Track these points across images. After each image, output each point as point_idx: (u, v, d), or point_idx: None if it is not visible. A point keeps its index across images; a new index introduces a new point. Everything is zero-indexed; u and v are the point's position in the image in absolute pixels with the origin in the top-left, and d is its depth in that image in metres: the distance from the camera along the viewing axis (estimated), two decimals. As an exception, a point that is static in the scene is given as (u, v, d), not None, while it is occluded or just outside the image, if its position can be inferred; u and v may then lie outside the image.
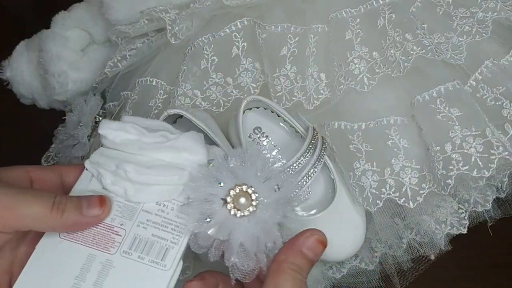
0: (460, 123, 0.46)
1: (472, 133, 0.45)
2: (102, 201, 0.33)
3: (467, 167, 0.45)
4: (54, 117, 0.66)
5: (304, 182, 0.46)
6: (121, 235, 0.33)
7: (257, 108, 0.51)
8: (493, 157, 0.45)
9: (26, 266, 0.32)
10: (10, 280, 0.33)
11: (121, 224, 0.33)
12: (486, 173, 0.44)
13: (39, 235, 0.33)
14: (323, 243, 0.32)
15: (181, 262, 0.33)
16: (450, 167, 0.45)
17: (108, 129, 0.33)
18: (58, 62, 0.62)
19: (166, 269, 0.32)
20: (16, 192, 0.31)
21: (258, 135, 0.51)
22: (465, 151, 0.45)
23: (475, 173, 0.45)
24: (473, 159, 0.45)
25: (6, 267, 0.33)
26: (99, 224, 0.33)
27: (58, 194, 0.32)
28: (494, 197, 0.51)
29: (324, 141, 0.48)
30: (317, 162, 0.46)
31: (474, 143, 0.45)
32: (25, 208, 0.31)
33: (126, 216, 0.33)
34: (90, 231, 0.33)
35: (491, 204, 0.50)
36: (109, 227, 0.33)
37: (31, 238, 0.34)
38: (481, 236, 0.51)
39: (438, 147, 0.46)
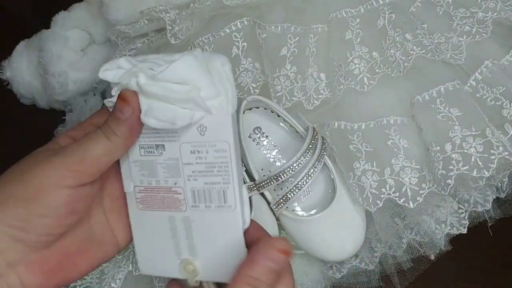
0: (460, 123, 0.46)
1: (472, 133, 0.45)
2: (124, 97, 0.33)
3: (467, 167, 0.45)
4: (54, 117, 0.66)
5: (304, 182, 0.46)
6: (181, 193, 0.34)
7: (257, 108, 0.51)
8: (493, 157, 0.45)
9: (134, 239, 0.35)
10: (109, 226, 0.36)
11: (175, 184, 0.34)
12: (486, 173, 0.45)
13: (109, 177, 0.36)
14: (286, 252, 0.31)
15: (245, 194, 0.33)
16: (450, 167, 0.45)
17: (104, 71, 0.33)
18: (58, 62, 0.62)
19: (232, 209, 0.32)
20: (75, 147, 0.32)
21: (258, 135, 0.51)
22: (465, 151, 0.45)
23: (475, 173, 0.45)
24: (473, 159, 0.45)
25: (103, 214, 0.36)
26: (160, 190, 0.34)
27: (97, 127, 0.33)
28: (494, 197, 0.51)
29: (324, 141, 0.48)
30: (317, 162, 0.46)
31: (474, 143, 0.45)
32: (92, 152, 0.32)
33: (174, 175, 0.34)
34: (157, 199, 0.34)
35: (491, 204, 0.50)
36: (168, 189, 0.34)
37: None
38: (481, 236, 0.51)
39: (438, 147, 0.46)
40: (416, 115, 0.48)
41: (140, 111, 0.33)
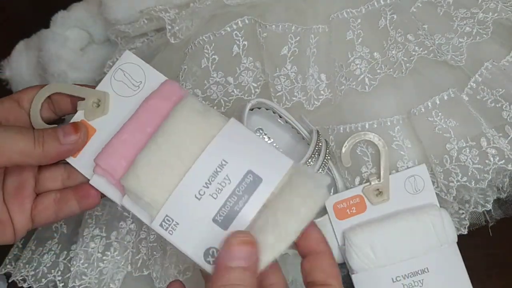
0: (456, 135, 0.46)
1: (467, 144, 0.46)
2: (76, 127, 0.34)
3: (465, 179, 0.46)
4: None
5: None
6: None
7: (259, 108, 0.51)
8: (487, 168, 0.45)
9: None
10: (7, 209, 0.36)
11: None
12: (483, 183, 0.45)
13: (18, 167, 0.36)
14: (250, 243, 0.30)
15: None
16: (450, 179, 0.46)
17: None
18: (58, 61, 0.62)
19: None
20: (0, 130, 0.32)
21: (260, 136, 0.51)
22: (462, 163, 0.46)
23: (473, 184, 0.46)
24: (470, 172, 0.46)
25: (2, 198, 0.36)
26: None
27: (34, 128, 0.34)
28: (495, 197, 0.51)
29: (328, 145, 0.48)
30: (321, 169, 0.46)
31: (470, 155, 0.46)
32: (12, 145, 0.32)
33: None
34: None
35: (491, 205, 0.50)
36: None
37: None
38: (481, 236, 0.51)
39: (437, 160, 0.47)
40: (414, 126, 0.48)
41: (78, 150, 0.35)
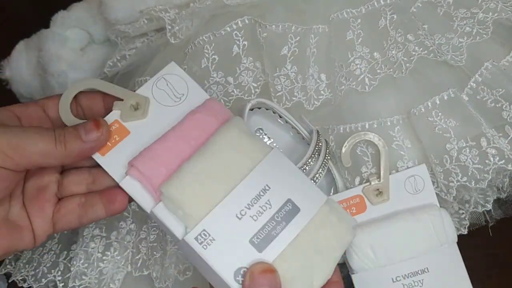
0: (456, 135, 0.46)
1: (467, 144, 0.46)
2: (98, 124, 0.33)
3: (465, 179, 0.46)
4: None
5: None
6: None
7: (259, 108, 0.51)
8: (487, 168, 0.45)
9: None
10: (27, 214, 0.35)
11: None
12: (483, 183, 0.45)
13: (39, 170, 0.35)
14: (268, 270, 0.31)
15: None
16: (450, 179, 0.46)
17: None
18: (58, 61, 0.62)
19: None
20: (19, 131, 0.31)
21: (260, 137, 0.51)
22: (462, 163, 0.46)
23: (473, 184, 0.46)
24: (470, 172, 0.46)
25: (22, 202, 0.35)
26: None
27: (56, 128, 0.33)
28: (495, 197, 0.51)
29: (328, 145, 0.48)
30: (321, 168, 0.46)
31: (470, 155, 0.46)
32: (31, 146, 0.31)
33: None
34: None
35: (491, 205, 0.50)
36: None
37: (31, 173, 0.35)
38: (481, 236, 0.51)
39: (437, 160, 0.47)
40: (414, 126, 0.48)
41: (102, 145, 0.34)
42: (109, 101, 0.37)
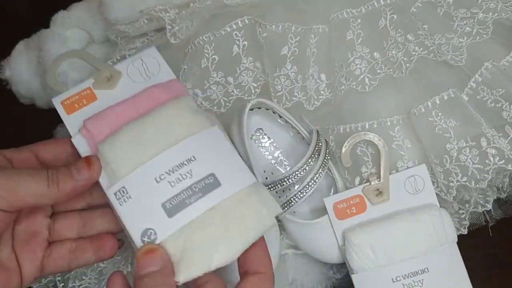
0: (456, 135, 0.46)
1: (467, 144, 0.46)
2: (89, 162, 0.34)
3: (465, 179, 0.46)
4: (53, 117, 0.65)
5: (309, 188, 0.46)
6: None
7: (259, 108, 0.51)
8: (487, 168, 0.45)
9: None
10: (16, 257, 0.35)
11: None
12: (483, 183, 0.45)
13: (32, 210, 0.36)
14: (152, 250, 0.32)
15: None
16: (450, 178, 0.46)
17: None
18: (58, 61, 0.62)
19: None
20: (12, 173, 0.32)
21: (260, 136, 0.51)
22: (462, 163, 0.46)
23: (473, 184, 0.46)
24: (470, 172, 0.46)
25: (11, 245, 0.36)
26: None
27: (48, 168, 0.33)
28: (495, 197, 0.51)
29: (328, 145, 0.48)
30: (321, 168, 0.46)
31: (470, 155, 0.46)
32: (24, 187, 0.32)
33: None
34: None
35: (491, 205, 0.50)
36: None
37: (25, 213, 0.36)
38: (481, 236, 0.51)
39: (437, 160, 0.47)
40: (414, 126, 0.48)
41: (94, 182, 0.34)
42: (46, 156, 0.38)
